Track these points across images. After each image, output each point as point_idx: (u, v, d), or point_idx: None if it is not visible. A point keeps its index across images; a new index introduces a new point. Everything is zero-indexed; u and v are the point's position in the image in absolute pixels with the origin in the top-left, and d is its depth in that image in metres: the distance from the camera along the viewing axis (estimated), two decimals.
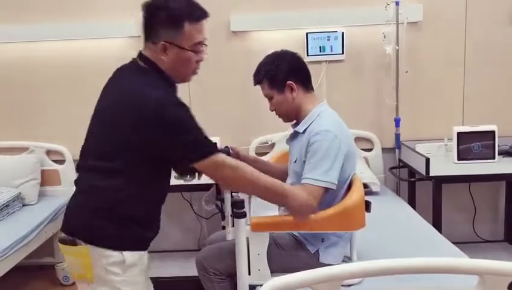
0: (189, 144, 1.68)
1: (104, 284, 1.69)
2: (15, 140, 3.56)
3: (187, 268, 3.25)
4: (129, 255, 1.69)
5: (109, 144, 1.69)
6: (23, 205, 3.35)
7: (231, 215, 1.94)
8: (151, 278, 1.88)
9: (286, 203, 1.93)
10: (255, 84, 2.20)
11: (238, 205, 1.91)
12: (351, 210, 1.98)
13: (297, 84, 2.13)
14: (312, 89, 2.21)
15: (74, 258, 1.71)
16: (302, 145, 2.09)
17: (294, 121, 2.22)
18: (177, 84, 1.83)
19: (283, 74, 2.12)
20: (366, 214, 2.02)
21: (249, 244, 1.99)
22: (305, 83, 2.17)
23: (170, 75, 1.77)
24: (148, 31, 1.76)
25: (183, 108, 1.69)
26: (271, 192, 1.88)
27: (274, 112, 2.22)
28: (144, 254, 1.76)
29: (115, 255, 1.67)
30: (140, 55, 1.80)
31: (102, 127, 1.74)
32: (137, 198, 1.71)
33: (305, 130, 2.11)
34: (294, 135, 2.20)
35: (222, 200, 2.01)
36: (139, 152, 1.67)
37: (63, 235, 1.73)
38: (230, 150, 2.29)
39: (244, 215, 1.93)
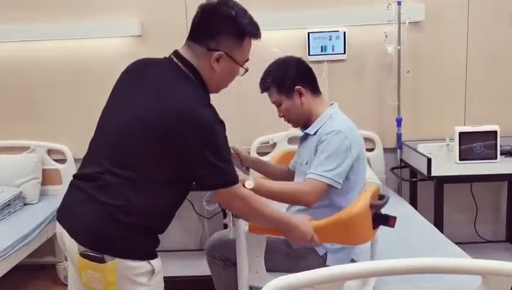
0: (218, 170, 1.62)
1: None
2: (16, 139, 3.55)
3: (189, 268, 3.26)
4: (155, 263, 1.65)
5: (146, 155, 1.59)
6: (24, 204, 3.35)
7: (232, 214, 1.94)
8: None
9: (290, 235, 1.87)
10: (262, 92, 2.19)
11: None
12: (347, 222, 1.86)
13: (305, 89, 2.12)
14: (320, 92, 2.21)
15: (96, 274, 1.58)
16: (312, 147, 2.07)
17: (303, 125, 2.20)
18: None
19: (291, 79, 2.11)
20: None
21: (248, 246, 1.98)
22: (313, 87, 2.17)
23: (207, 84, 1.71)
24: (205, 35, 1.66)
25: (224, 130, 1.64)
26: (278, 224, 1.84)
27: (283, 118, 2.20)
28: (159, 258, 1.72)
29: (143, 265, 1.62)
30: (179, 56, 1.70)
31: (139, 136, 1.59)
32: (165, 210, 1.70)
33: (316, 132, 2.10)
34: (305, 137, 2.19)
35: None
36: (174, 168, 1.61)
37: (83, 249, 1.58)
38: (232, 151, 2.29)
39: None
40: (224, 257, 2.19)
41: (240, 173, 1.93)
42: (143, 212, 1.60)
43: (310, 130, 2.13)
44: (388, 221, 1.93)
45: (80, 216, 1.62)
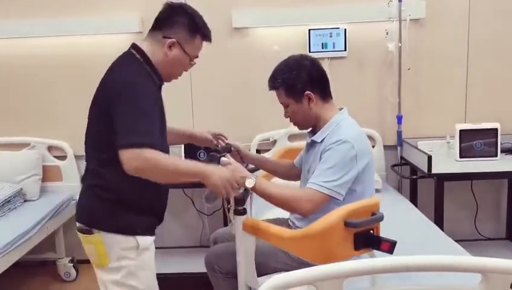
0: (125, 127, 1.68)
1: (119, 270, 1.82)
2: (16, 136, 3.55)
3: (189, 265, 3.26)
4: (141, 240, 1.83)
5: (100, 133, 1.79)
6: (25, 201, 3.35)
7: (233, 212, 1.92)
8: None
9: (205, 181, 1.77)
10: (270, 90, 2.12)
11: (239, 201, 1.89)
12: (312, 237, 1.77)
13: (315, 94, 2.04)
14: (331, 97, 2.12)
15: (89, 246, 1.84)
16: (318, 155, 2.01)
17: (310, 129, 2.16)
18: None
19: (301, 83, 2.02)
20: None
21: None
22: (324, 92, 2.08)
23: (160, 71, 1.88)
24: (165, 26, 1.87)
25: (149, 90, 1.79)
26: (192, 174, 1.76)
27: (288, 119, 2.14)
28: (152, 240, 1.89)
29: (127, 239, 1.81)
30: (134, 46, 1.89)
31: (94, 115, 1.84)
32: (142, 185, 1.74)
33: (323, 139, 2.03)
34: (312, 144, 2.12)
35: None
36: None
37: (79, 224, 1.86)
38: (232, 148, 2.29)
39: (244, 212, 1.91)
40: (224, 270, 2.14)
41: (242, 170, 1.92)
42: (120, 187, 1.78)
43: (317, 137, 2.06)
44: (380, 245, 1.75)
45: (79, 200, 1.93)
